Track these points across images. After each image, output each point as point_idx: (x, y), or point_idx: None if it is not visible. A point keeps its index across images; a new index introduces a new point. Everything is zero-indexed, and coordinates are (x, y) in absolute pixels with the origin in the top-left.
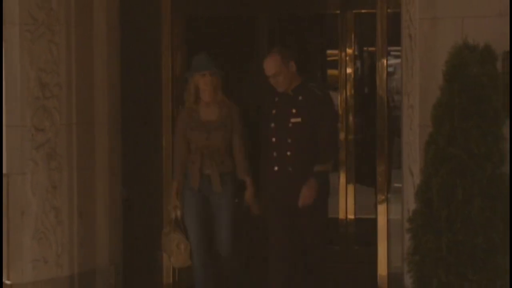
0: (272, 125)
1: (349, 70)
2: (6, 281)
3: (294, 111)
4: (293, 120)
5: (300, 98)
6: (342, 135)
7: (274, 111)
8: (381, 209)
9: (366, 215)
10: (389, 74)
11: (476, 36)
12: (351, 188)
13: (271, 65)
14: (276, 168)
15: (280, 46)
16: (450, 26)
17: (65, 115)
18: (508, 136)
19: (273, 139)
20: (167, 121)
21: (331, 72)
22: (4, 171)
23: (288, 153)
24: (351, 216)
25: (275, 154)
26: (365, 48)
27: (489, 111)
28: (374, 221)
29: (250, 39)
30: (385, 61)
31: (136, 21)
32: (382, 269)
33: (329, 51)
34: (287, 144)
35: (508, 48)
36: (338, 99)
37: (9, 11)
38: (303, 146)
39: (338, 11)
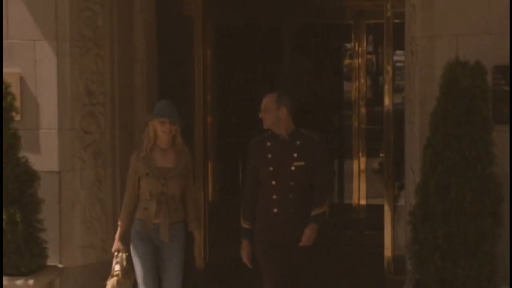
0: (271, 168)
1: (362, 66)
2: (59, 265)
3: (295, 155)
4: (296, 163)
5: (298, 142)
6: (355, 124)
7: (269, 155)
8: (388, 196)
9: (377, 201)
10: (397, 70)
11: (469, 52)
12: (363, 175)
13: (265, 100)
14: (275, 210)
15: (283, 91)
16: (446, 43)
17: (109, 119)
18: (495, 141)
19: (273, 182)
20: (199, 127)
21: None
22: (57, 168)
23: (291, 195)
24: (363, 202)
25: (274, 196)
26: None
27: (479, 119)
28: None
29: (275, 46)
30: (391, 61)
31: (171, 35)
32: (388, 252)
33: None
34: (289, 187)
35: (497, 63)
36: (352, 88)
37: (62, 29)
38: (304, 188)
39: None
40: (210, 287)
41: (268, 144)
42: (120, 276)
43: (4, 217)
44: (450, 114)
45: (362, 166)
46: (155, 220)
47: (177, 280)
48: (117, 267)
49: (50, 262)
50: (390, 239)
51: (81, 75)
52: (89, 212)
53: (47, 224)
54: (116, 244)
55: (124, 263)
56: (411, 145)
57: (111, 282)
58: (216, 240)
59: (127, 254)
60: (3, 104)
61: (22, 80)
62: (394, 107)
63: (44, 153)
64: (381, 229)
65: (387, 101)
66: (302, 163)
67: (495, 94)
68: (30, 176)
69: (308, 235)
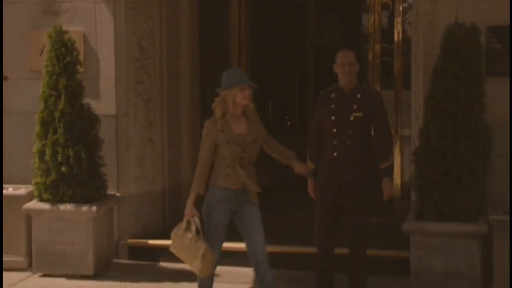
0: (333, 118)
1: (377, 31)
2: (117, 194)
3: (355, 107)
4: (354, 114)
5: (358, 96)
6: (370, 57)
7: (333, 106)
8: (397, 127)
9: None
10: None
11: (468, 15)
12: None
13: (349, 55)
14: (335, 154)
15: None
16: (447, 6)
17: (158, 70)
18: (487, 92)
19: (334, 130)
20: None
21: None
22: (114, 113)
23: (349, 142)
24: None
25: (335, 142)
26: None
27: (473, 74)
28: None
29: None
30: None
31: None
32: (397, 178)
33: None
34: (348, 135)
35: (491, 24)
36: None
37: None
38: (362, 137)
39: None
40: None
41: (333, 96)
42: (198, 239)
43: (71, 154)
44: (448, 70)
45: None
46: (237, 186)
47: (263, 241)
48: (192, 231)
49: (109, 191)
50: (399, 168)
51: (134, 33)
52: (141, 150)
53: (107, 160)
54: (192, 210)
55: (199, 227)
56: (415, 95)
57: (201, 247)
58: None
59: (199, 219)
60: (70, 58)
61: (84, 37)
62: (404, 42)
63: (103, 100)
64: None
65: (396, 37)
66: (360, 114)
67: (488, 51)
68: (92, 120)
69: (387, 191)
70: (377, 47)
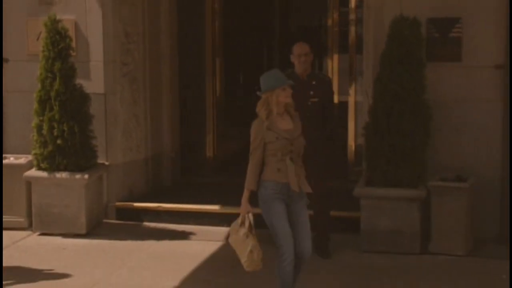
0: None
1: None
2: (106, 163)
3: (312, 93)
4: (312, 99)
5: (313, 82)
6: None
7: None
8: (351, 93)
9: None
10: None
11: (410, 8)
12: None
13: (305, 47)
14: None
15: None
16: (392, 1)
17: (142, 53)
18: (427, 75)
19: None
20: (209, 51)
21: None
22: (103, 91)
23: (306, 123)
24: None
25: None
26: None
27: (415, 60)
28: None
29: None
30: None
31: None
32: (351, 140)
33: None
34: (306, 117)
35: (430, 16)
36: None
37: None
38: (317, 117)
39: None
40: (218, 176)
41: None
42: (249, 235)
43: (65, 128)
44: (394, 56)
45: (335, 64)
46: (291, 178)
47: (310, 234)
48: (245, 226)
49: (99, 161)
50: (353, 132)
51: (120, 20)
52: (127, 125)
53: (97, 133)
54: (246, 207)
55: (252, 223)
56: (366, 77)
57: (249, 243)
58: (223, 134)
59: (253, 215)
60: (63, 44)
61: (76, 25)
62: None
63: (93, 80)
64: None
65: (353, 4)
66: (316, 99)
67: (428, 40)
68: (84, 98)
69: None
70: (336, 16)
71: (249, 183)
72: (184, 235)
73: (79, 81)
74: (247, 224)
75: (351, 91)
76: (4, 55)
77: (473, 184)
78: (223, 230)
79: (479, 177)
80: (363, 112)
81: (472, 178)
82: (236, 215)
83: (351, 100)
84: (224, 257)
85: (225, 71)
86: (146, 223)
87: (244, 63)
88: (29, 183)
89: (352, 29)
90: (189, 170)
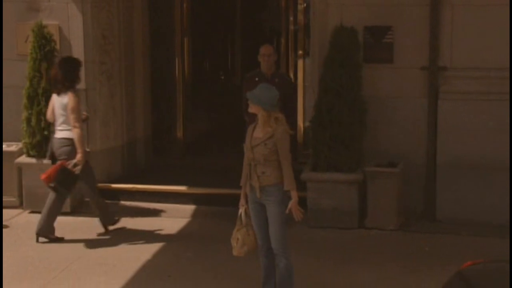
0: None
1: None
2: (87, 149)
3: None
4: None
5: (276, 80)
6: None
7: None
8: (299, 76)
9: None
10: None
11: (350, 16)
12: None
13: (269, 48)
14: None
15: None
16: (335, 10)
17: (117, 53)
18: (363, 75)
19: None
20: (178, 48)
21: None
22: (84, 87)
23: None
24: None
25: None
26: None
27: (353, 63)
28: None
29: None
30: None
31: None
32: (300, 123)
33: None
34: None
35: (367, 24)
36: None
37: None
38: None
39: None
40: (186, 158)
41: (256, 79)
42: (247, 225)
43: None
44: (335, 60)
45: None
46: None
47: (276, 233)
48: (242, 219)
49: None
50: (302, 115)
51: (98, 25)
52: (105, 116)
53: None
54: (242, 201)
55: (243, 217)
56: (312, 76)
57: (240, 232)
58: (192, 115)
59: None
60: (49, 48)
61: (60, 29)
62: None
63: None
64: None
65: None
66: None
67: (365, 45)
68: None
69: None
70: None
71: (242, 180)
72: (155, 213)
73: None
74: (242, 219)
75: (301, 79)
76: None
77: (402, 169)
78: (189, 208)
79: (408, 163)
80: (309, 93)
81: (402, 164)
82: (201, 195)
83: (299, 86)
84: (190, 233)
85: (192, 53)
86: (122, 202)
87: (210, 49)
88: (19, 168)
89: (301, 33)
90: (162, 152)
